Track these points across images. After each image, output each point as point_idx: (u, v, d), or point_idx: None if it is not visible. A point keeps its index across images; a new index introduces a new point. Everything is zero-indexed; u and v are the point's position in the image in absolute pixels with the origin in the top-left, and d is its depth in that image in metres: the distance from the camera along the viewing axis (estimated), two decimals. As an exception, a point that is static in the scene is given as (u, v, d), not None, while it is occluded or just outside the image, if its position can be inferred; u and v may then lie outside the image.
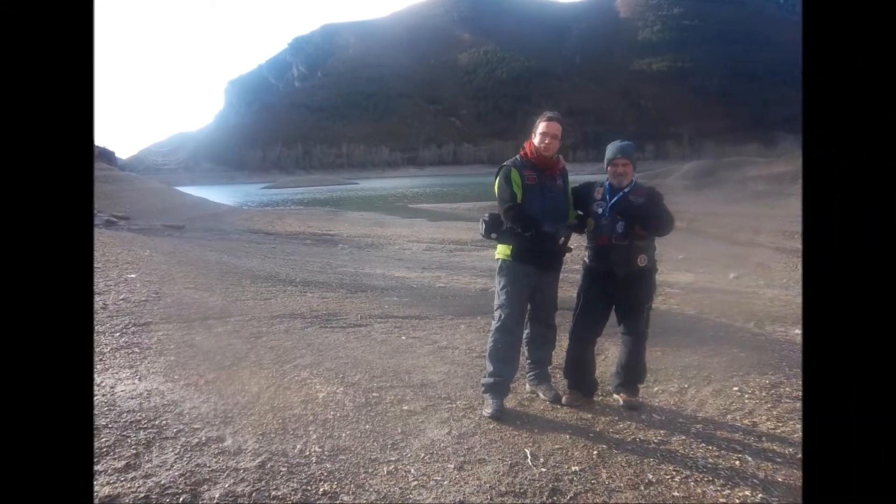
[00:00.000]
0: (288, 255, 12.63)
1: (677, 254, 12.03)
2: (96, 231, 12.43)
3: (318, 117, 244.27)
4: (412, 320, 6.41)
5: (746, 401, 4.06)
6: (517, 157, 3.86)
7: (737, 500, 2.80)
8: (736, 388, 4.28)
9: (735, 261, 11.92)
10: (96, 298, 6.43)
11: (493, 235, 3.87)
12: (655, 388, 4.28)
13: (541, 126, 3.78)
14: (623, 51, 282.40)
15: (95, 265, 8.23)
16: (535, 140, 3.78)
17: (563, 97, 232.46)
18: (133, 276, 8.03)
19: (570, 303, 4.18)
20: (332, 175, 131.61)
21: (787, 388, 4.26)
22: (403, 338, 5.66)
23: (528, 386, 4.16)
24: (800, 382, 4.01)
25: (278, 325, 5.95)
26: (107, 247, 10.28)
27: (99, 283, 7.27)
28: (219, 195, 49.01)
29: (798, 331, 5.83)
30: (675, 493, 2.84)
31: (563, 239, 3.74)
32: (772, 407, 3.95)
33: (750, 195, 24.83)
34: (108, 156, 41.04)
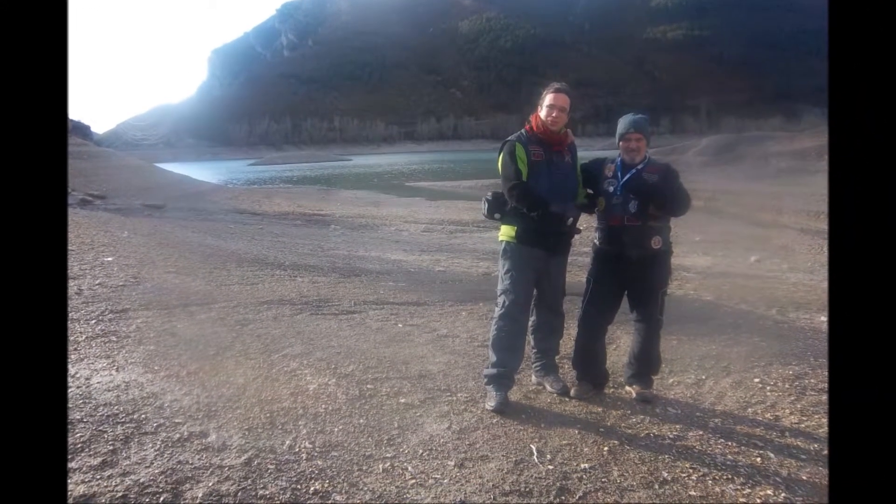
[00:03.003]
0: (276, 237, 12.63)
1: (694, 235, 12.01)
2: (70, 211, 12.40)
3: (308, 89, 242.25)
4: (409, 307, 6.40)
5: (768, 393, 4.06)
6: (522, 131, 3.84)
7: (758, 500, 2.79)
8: (757, 380, 4.28)
9: (756, 243, 11.91)
10: (70, 283, 6.41)
11: (497, 216, 3.85)
12: (671, 380, 4.28)
13: (548, 98, 3.74)
14: (636, 17, 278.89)
15: (69, 247, 8.21)
16: (542, 113, 3.76)
17: (572, 67, 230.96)
18: (110, 259, 8.02)
19: (579, 288, 4.15)
20: (323, 151, 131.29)
21: (812, 380, 4.26)
22: (400, 325, 5.65)
23: (533, 377, 4.16)
24: (825, 374, 4.02)
25: (266, 312, 5.94)
26: (82, 228, 10.27)
27: (73, 266, 7.26)
28: (202, 172, 48.99)
29: (824, 318, 5.83)
30: (692, 493, 2.84)
31: (571, 219, 3.73)
32: (796, 400, 3.95)
33: (772, 172, 24.87)
34: (84, 130, 40.99)
